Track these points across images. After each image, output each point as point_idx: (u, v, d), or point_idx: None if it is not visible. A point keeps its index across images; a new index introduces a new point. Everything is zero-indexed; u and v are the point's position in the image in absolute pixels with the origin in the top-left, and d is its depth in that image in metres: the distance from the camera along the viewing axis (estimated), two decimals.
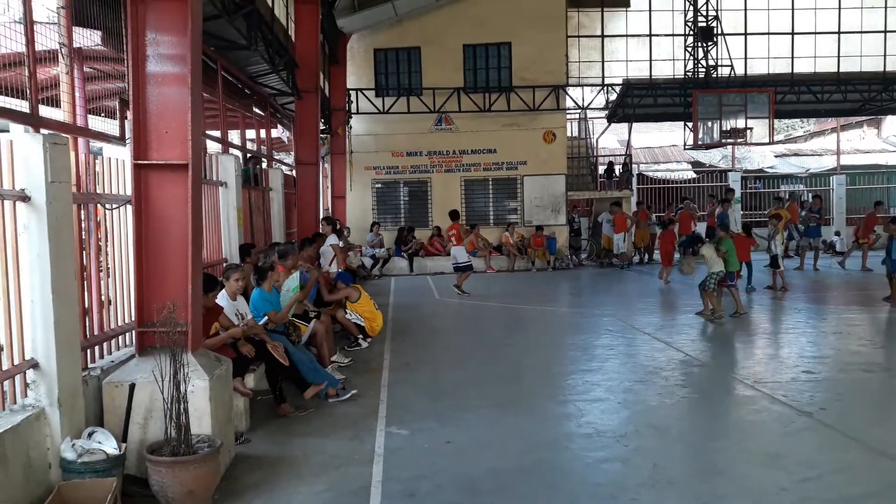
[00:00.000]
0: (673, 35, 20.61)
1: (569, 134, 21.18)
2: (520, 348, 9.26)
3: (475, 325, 11.37)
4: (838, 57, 21.07)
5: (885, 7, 21.02)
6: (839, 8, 20.97)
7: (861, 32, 21.09)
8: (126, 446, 4.51)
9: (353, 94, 19.29)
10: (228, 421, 5.21)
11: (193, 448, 4.38)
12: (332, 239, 11.17)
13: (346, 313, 9.14)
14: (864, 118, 28.28)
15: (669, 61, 20.76)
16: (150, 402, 4.65)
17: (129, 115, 4.78)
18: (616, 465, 4.99)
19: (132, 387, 4.69)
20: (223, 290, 6.37)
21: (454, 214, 15.66)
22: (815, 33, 21.05)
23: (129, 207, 5.09)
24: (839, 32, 21.06)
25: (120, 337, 5.53)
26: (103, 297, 5.32)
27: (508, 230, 19.01)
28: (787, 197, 21.76)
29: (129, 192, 5.13)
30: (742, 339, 9.44)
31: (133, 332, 5.13)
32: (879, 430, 5.56)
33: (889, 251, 11.41)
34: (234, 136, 12.35)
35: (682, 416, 6.15)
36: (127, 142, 5.35)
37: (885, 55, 21.10)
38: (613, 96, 20.70)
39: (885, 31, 21.08)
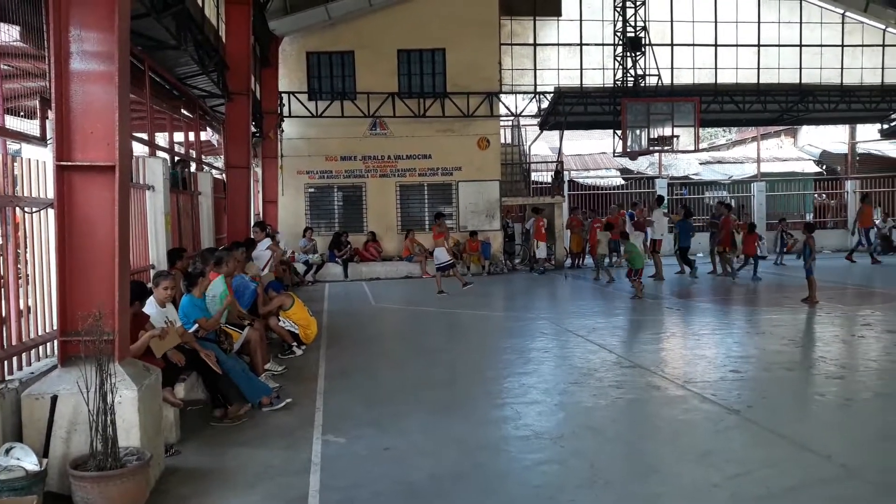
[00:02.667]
0: (603, 45, 21.08)
1: (502, 141, 21.39)
2: (456, 353, 9.27)
3: (411, 331, 11.34)
4: (758, 69, 22.00)
5: (801, 22, 22.08)
6: (758, 22, 21.91)
7: (779, 46, 22.08)
8: (47, 462, 4.29)
9: (285, 97, 19.01)
10: (158, 432, 5.03)
11: (121, 461, 4.21)
12: (266, 242, 10.99)
13: (280, 321, 8.96)
14: (781, 128, 29.56)
15: (599, 70, 21.22)
16: (73, 414, 4.44)
17: (51, 114, 4.57)
18: (554, 466, 5.04)
19: (54, 399, 4.47)
20: (151, 298, 6.17)
21: (438, 215, 15.72)
22: (737, 45, 21.92)
23: (51, 211, 4.85)
24: (759, 45, 21.99)
25: (40, 347, 5.26)
26: (22, 306, 5.06)
27: None
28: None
29: (50, 194, 4.90)
30: (672, 340, 9.71)
31: (55, 341, 4.89)
32: (803, 426, 5.80)
33: (804, 255, 11.98)
34: (161, 139, 11.99)
35: (616, 416, 6.26)
36: (48, 142, 5.11)
37: (800, 68, 22.15)
38: (545, 104, 21.02)
39: (801, 45, 22.13)
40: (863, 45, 22.46)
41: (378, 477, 4.86)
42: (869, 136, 26.37)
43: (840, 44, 22.32)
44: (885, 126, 24.18)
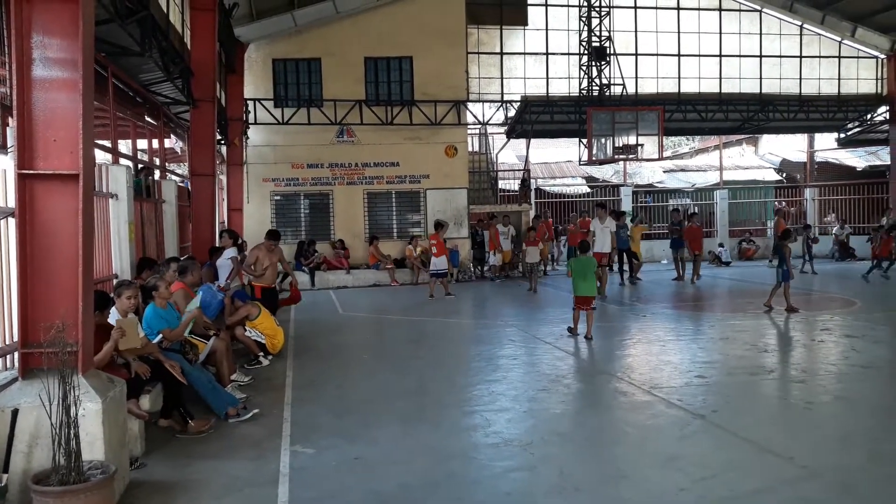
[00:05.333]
0: (568, 54, 21.29)
1: (470, 149, 21.47)
2: (425, 361, 9.26)
3: (380, 340, 11.30)
4: (720, 78, 22.43)
5: (760, 33, 22.58)
6: (720, 33, 22.34)
7: (739, 56, 22.55)
8: (7, 477, 4.20)
9: (250, 104, 18.86)
10: (123, 445, 4.94)
11: (85, 475, 4.12)
12: (231, 252, 10.86)
13: (246, 330, 8.87)
14: (743, 136, 30.19)
15: (565, 79, 21.43)
16: (35, 428, 4.34)
17: (12, 121, 4.48)
18: (524, 473, 5.06)
19: (15, 412, 4.36)
20: (113, 308, 6.07)
21: (437, 224, 15.65)
22: (699, 56, 22.33)
23: (12, 220, 4.74)
24: (720, 56, 22.42)
25: (0, 359, 5.14)
26: None
27: (412, 243, 19.03)
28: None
29: (11, 203, 4.80)
30: (637, 346, 9.81)
31: (16, 353, 4.78)
32: (765, 430, 5.91)
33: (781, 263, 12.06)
34: (124, 146, 11.82)
35: (584, 422, 6.32)
36: (9, 150, 5.00)
37: (760, 78, 22.63)
38: (512, 112, 21.16)
39: (761, 56, 22.61)
40: (820, 57, 23.04)
41: (348, 487, 4.83)
42: (827, 145, 27.06)
43: (798, 55, 22.88)
44: (842, 135, 24.84)
